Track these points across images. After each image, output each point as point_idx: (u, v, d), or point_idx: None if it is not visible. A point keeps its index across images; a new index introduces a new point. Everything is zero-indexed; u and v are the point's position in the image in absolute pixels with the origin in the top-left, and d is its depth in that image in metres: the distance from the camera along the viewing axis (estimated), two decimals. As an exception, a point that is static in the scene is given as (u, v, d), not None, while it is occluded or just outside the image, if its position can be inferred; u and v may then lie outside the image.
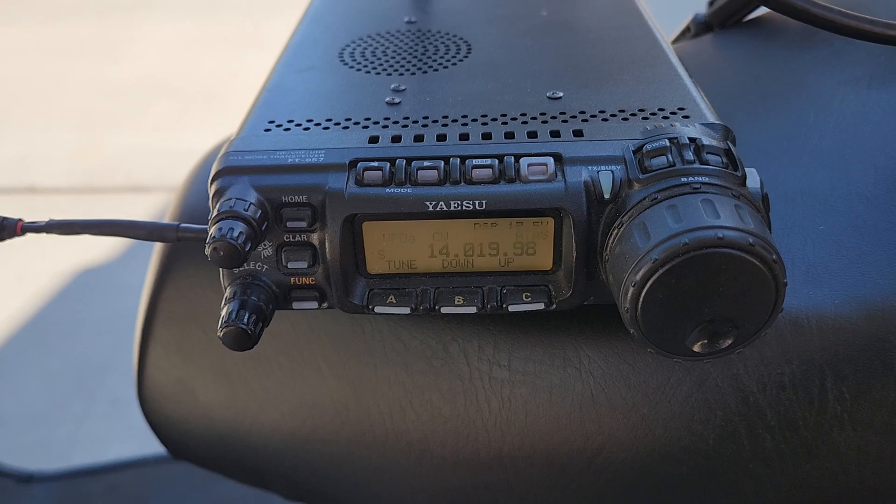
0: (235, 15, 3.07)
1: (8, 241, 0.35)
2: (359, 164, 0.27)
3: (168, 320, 0.38)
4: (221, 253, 0.26)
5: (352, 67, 0.36)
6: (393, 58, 0.36)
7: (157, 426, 0.41)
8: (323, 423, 0.36)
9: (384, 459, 0.35)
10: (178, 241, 0.30)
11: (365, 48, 0.37)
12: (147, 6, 3.21)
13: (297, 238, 0.28)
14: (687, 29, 0.54)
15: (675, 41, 0.54)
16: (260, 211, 0.27)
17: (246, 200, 0.27)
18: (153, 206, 1.89)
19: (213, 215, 0.27)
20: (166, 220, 0.40)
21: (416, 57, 0.36)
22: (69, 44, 2.87)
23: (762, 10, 0.50)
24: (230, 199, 0.27)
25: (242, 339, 0.27)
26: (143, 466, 0.90)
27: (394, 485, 0.36)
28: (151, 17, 3.09)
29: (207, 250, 0.26)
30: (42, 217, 0.31)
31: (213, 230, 0.26)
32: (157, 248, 0.40)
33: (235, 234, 0.26)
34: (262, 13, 3.05)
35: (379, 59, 0.36)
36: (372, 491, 0.37)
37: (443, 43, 0.38)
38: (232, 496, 0.83)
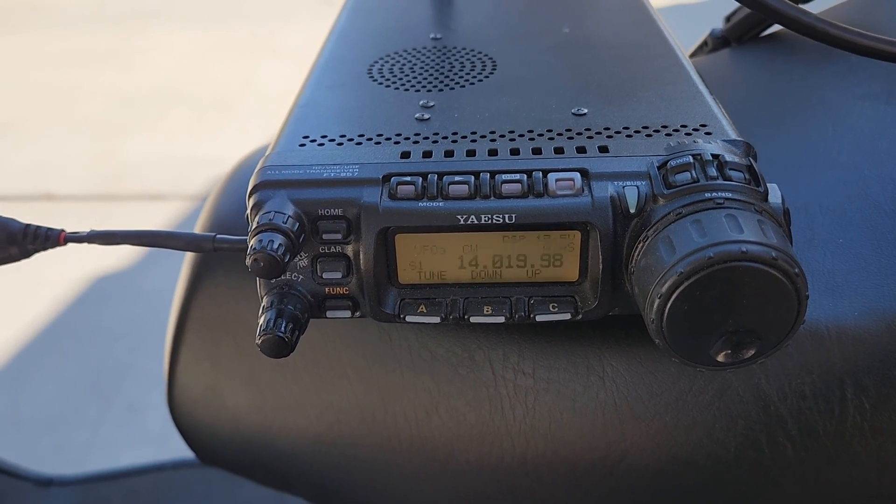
0: (248, 24, 3.10)
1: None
2: (392, 179, 0.28)
3: (199, 327, 0.39)
4: (262, 264, 0.27)
5: (380, 84, 0.37)
6: (420, 74, 0.37)
7: (187, 431, 0.42)
8: (350, 429, 0.37)
9: (409, 464, 0.36)
10: (213, 252, 0.31)
11: (393, 65, 0.38)
12: (162, 16, 3.24)
13: (332, 249, 0.29)
14: (704, 43, 0.54)
15: (693, 55, 0.55)
16: (297, 223, 0.28)
17: (284, 213, 0.28)
18: (169, 214, 1.90)
19: (253, 227, 0.27)
20: (197, 229, 0.41)
21: (442, 73, 0.37)
22: (85, 53, 2.91)
23: (779, 26, 0.51)
24: (269, 212, 0.28)
25: (280, 346, 0.28)
26: (161, 472, 0.91)
27: (418, 489, 0.37)
28: (166, 27, 3.13)
29: (248, 261, 0.27)
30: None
31: (253, 242, 0.27)
32: (189, 256, 0.41)
33: (275, 245, 0.26)
34: (275, 22, 3.07)
35: (407, 75, 0.37)
36: (396, 495, 0.38)
37: (468, 60, 0.38)
38: (251, 502, 0.83)
